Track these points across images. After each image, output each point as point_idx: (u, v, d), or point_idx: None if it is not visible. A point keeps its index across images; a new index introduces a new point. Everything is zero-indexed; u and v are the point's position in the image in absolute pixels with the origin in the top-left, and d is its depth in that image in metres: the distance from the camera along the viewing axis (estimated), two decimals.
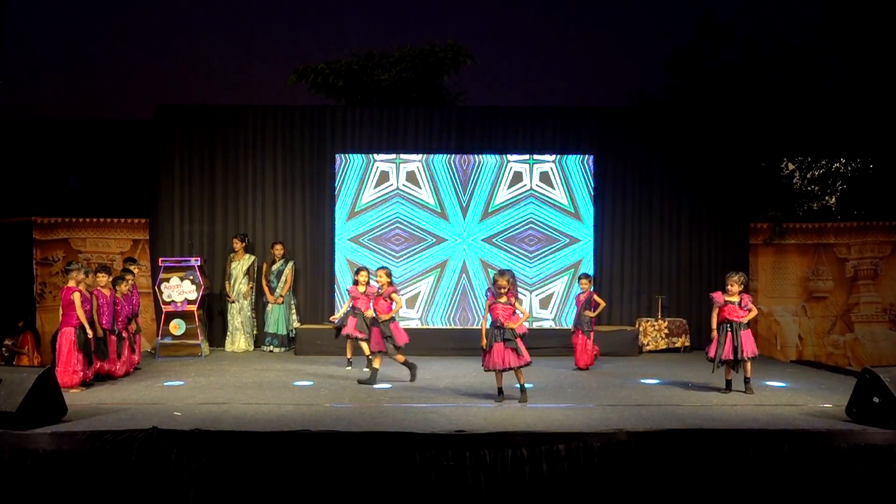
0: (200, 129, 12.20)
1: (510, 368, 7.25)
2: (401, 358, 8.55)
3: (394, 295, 8.53)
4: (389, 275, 8.66)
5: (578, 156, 12.06)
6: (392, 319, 8.52)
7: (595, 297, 9.81)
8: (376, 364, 8.54)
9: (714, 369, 7.95)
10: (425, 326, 11.63)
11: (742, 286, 7.93)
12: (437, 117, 12.39)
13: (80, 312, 7.91)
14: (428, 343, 11.06)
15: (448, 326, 11.27)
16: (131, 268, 9.77)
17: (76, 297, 7.92)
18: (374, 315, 8.63)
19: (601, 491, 5.67)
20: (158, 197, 12.16)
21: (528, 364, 7.31)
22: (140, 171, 14.38)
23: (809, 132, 14.19)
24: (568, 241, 11.95)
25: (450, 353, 10.71)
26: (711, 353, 7.92)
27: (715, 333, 7.93)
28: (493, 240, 11.94)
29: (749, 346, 7.78)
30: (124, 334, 8.89)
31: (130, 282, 9.29)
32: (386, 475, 5.60)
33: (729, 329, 7.81)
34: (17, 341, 11.41)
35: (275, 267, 11.50)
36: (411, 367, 8.56)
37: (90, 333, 7.95)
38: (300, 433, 5.82)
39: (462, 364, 10.03)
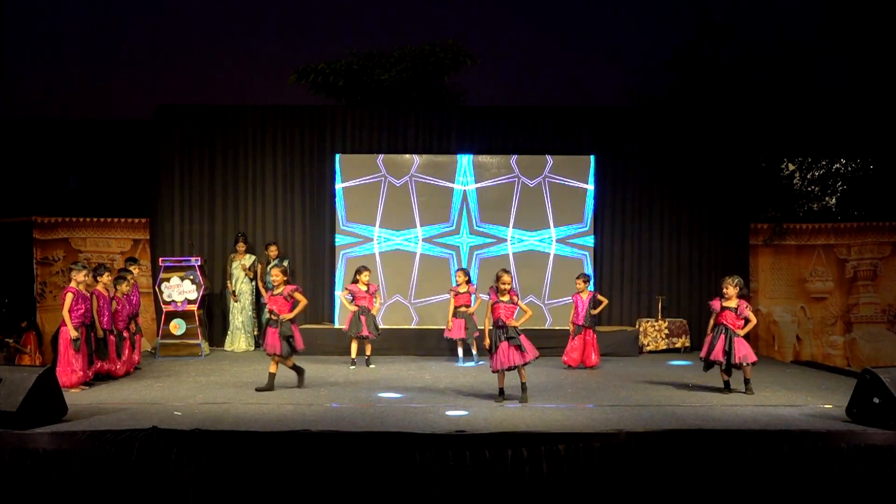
0: (200, 129, 12.21)
1: (515, 367, 7.25)
2: (290, 362, 8.03)
3: (296, 294, 8.02)
4: (285, 272, 8.15)
5: (578, 156, 12.05)
6: (293, 320, 7.97)
7: (598, 295, 9.90)
8: (273, 368, 7.95)
9: (706, 368, 7.94)
10: (425, 327, 11.62)
11: (738, 289, 7.85)
12: (438, 117, 12.40)
13: (64, 312, 7.90)
14: (427, 344, 11.08)
15: (448, 327, 11.25)
16: (131, 267, 9.76)
17: (68, 297, 7.94)
18: (271, 315, 7.96)
19: (601, 491, 5.66)
20: (158, 197, 12.17)
21: (535, 358, 7.33)
22: (140, 171, 14.39)
23: (809, 132, 14.19)
24: (567, 241, 11.93)
25: (450, 354, 10.70)
26: (703, 354, 7.93)
27: (709, 336, 7.93)
28: (492, 239, 11.93)
29: (741, 352, 7.74)
30: (125, 334, 8.90)
31: (131, 281, 9.30)
32: (386, 475, 5.60)
33: (723, 332, 7.80)
34: (21, 340, 11.41)
35: (269, 267, 11.49)
36: (300, 372, 8.08)
37: (74, 334, 7.88)
38: (300, 433, 5.81)
39: (462, 365, 10.04)
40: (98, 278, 8.49)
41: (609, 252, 12.23)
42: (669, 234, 12.26)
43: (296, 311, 7.97)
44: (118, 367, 8.74)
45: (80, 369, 7.91)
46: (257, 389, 7.84)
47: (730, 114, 12.51)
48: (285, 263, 11.57)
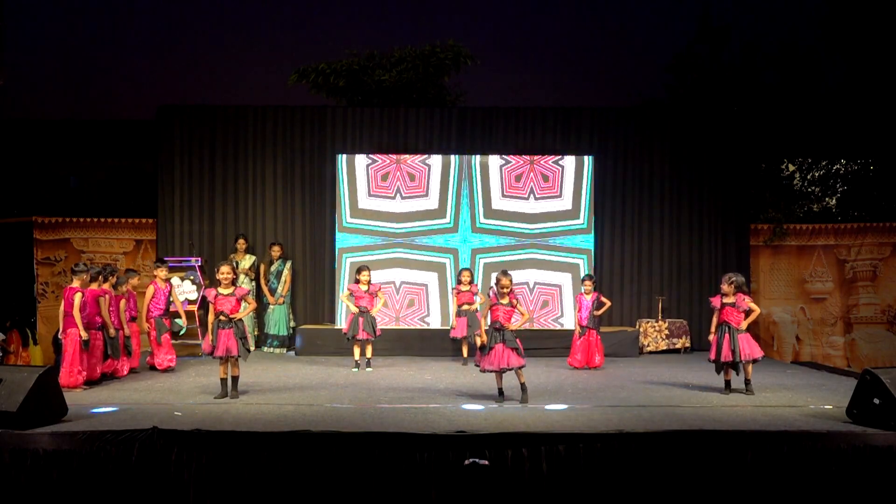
0: (201, 129, 12.23)
1: (511, 369, 7.25)
2: (237, 369, 7.60)
3: (248, 297, 7.76)
4: (233, 270, 7.75)
5: (578, 156, 12.06)
6: (241, 321, 7.60)
7: (602, 297, 9.90)
8: (223, 373, 7.54)
9: (718, 370, 7.95)
10: (425, 327, 11.62)
11: (735, 286, 7.86)
12: (438, 118, 12.40)
13: (75, 313, 7.91)
14: (427, 344, 11.08)
15: (448, 327, 11.25)
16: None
17: (77, 297, 7.93)
18: (222, 315, 7.51)
19: (601, 491, 5.66)
20: (160, 197, 12.20)
21: (522, 367, 7.30)
22: (140, 171, 14.42)
23: (810, 133, 14.20)
24: (568, 241, 11.92)
25: (450, 354, 10.70)
26: (712, 356, 7.94)
27: (712, 336, 7.94)
28: (492, 240, 11.92)
29: (747, 350, 7.77)
30: (129, 333, 9.00)
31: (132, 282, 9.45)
32: (386, 475, 5.60)
33: (727, 331, 7.81)
34: (6, 339, 11.37)
35: (273, 268, 11.50)
36: (235, 382, 7.59)
37: (85, 335, 7.92)
38: (300, 433, 5.81)
39: (462, 365, 10.03)
40: (107, 279, 8.60)
41: (609, 253, 12.23)
42: (669, 234, 12.26)
43: (246, 311, 7.69)
44: (124, 366, 8.86)
45: (83, 370, 7.92)
46: (216, 398, 7.46)
47: (730, 115, 12.51)
48: (289, 264, 11.59)
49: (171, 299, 9.78)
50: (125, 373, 8.86)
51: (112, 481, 5.59)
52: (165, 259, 10.59)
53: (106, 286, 8.58)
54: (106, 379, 8.48)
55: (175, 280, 10.90)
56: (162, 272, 9.67)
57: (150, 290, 9.43)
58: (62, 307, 8.01)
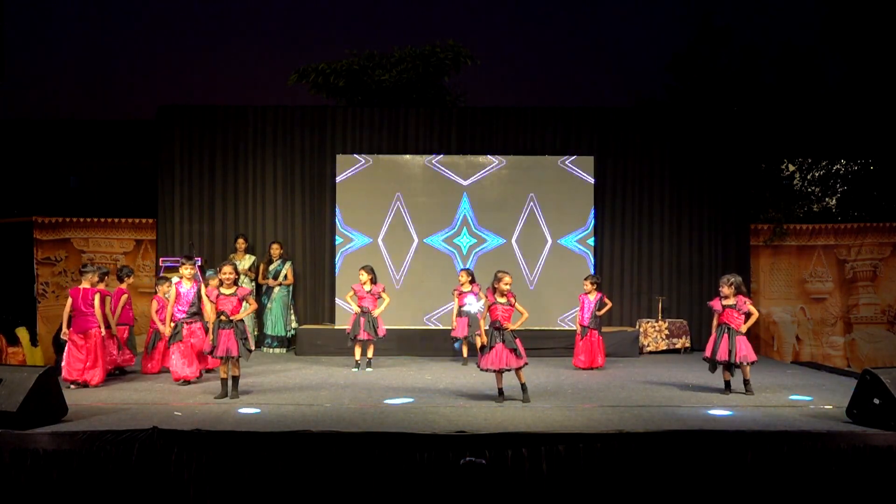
0: (201, 129, 12.24)
1: (509, 369, 7.25)
2: (237, 369, 7.57)
3: (250, 298, 7.75)
4: (235, 270, 7.71)
5: (579, 157, 12.05)
6: (242, 321, 7.62)
7: (604, 298, 9.90)
8: (224, 374, 7.55)
9: (711, 369, 7.97)
10: (425, 327, 11.62)
11: (734, 288, 7.85)
12: (438, 118, 12.40)
13: (108, 312, 8.25)
14: (428, 344, 11.08)
15: (448, 327, 11.25)
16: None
17: (97, 297, 8.10)
18: (223, 315, 7.53)
19: (601, 491, 5.66)
20: (160, 197, 12.21)
21: (525, 365, 7.32)
22: (140, 170, 14.41)
23: (809, 133, 14.20)
24: (568, 241, 11.92)
25: (450, 355, 10.70)
26: (707, 354, 7.95)
27: (712, 336, 7.95)
28: (492, 240, 11.92)
29: (743, 351, 7.77)
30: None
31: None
32: (386, 476, 5.60)
33: (726, 331, 7.82)
34: None
35: (272, 267, 11.50)
36: (235, 382, 7.58)
37: (104, 333, 8.20)
38: (300, 433, 5.81)
39: (462, 365, 10.03)
40: (122, 280, 9.12)
41: (609, 253, 12.23)
42: (670, 235, 12.26)
43: (246, 312, 7.67)
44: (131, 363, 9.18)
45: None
46: (216, 398, 7.44)
47: (730, 115, 12.52)
48: (289, 263, 11.58)
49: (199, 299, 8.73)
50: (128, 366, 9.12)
51: (112, 481, 5.59)
52: (190, 256, 9.67)
53: (123, 286, 9.00)
54: (111, 377, 8.59)
55: (173, 279, 10.88)
56: (188, 270, 8.69)
57: (173, 292, 8.62)
58: (68, 306, 8.13)
